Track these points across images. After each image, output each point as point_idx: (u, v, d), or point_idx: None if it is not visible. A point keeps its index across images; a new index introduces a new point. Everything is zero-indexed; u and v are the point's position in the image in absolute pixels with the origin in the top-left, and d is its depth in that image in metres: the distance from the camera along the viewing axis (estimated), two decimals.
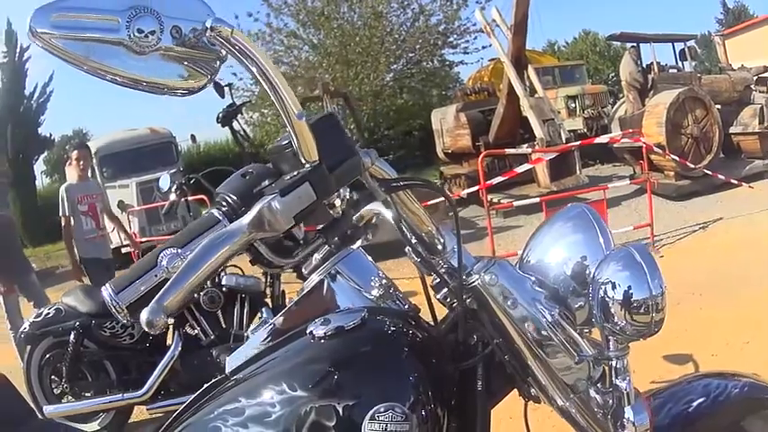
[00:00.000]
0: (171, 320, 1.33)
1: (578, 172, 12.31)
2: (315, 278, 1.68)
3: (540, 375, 1.67)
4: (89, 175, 8.48)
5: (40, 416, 4.97)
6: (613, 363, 1.62)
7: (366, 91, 23.42)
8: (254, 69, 1.25)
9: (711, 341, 5.61)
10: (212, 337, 5.08)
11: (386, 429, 1.43)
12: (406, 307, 1.69)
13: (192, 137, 16.52)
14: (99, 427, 5.41)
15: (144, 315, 1.34)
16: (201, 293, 4.98)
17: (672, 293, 5.79)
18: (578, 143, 11.61)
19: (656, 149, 10.65)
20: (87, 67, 1.15)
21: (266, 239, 1.44)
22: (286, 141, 1.42)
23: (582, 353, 1.62)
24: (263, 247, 1.42)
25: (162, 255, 1.53)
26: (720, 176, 10.97)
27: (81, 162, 8.23)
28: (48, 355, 5.78)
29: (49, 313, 5.67)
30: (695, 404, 1.79)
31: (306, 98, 16.99)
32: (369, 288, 1.70)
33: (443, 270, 1.73)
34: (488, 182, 9.79)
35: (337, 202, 1.44)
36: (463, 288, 1.65)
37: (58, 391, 5.73)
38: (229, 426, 1.48)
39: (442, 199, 8.43)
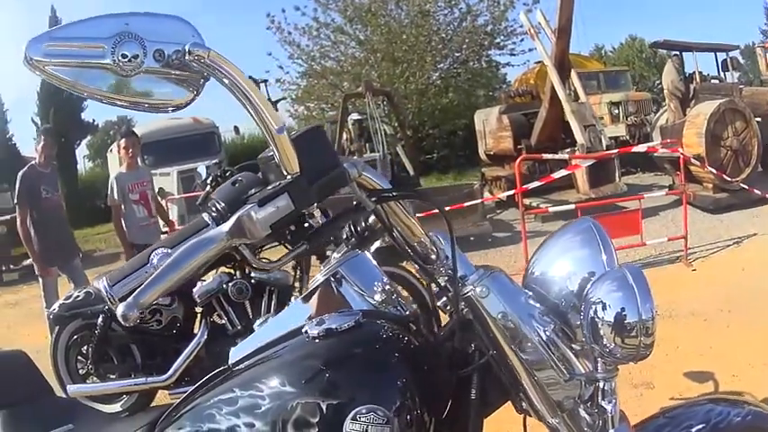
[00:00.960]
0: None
1: (617, 180, 12.18)
2: (319, 278, 1.77)
3: (529, 390, 1.68)
4: (138, 162, 8.49)
5: (63, 394, 5.14)
6: (600, 384, 1.62)
7: (411, 89, 23.35)
8: (232, 88, 1.31)
9: (735, 361, 5.50)
10: (238, 327, 5.15)
11: (366, 430, 1.47)
12: (407, 313, 1.74)
13: (236, 128, 16.66)
14: (121, 409, 5.45)
15: (120, 309, 1.42)
16: (230, 284, 5.08)
17: (701, 308, 5.80)
18: (616, 151, 11.49)
19: (692, 161, 10.44)
20: (78, 89, 1.27)
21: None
22: (272, 152, 1.46)
23: (573, 371, 1.64)
24: (247, 251, 1.47)
25: (153, 253, 1.59)
26: (757, 191, 10.70)
27: (130, 150, 8.21)
28: (75, 337, 5.82)
29: (79, 296, 5.72)
30: (694, 430, 1.77)
31: (349, 95, 17.16)
32: (371, 292, 1.76)
33: (441, 279, 1.78)
34: (525, 186, 9.67)
35: (316, 213, 1.49)
36: (458, 298, 1.68)
37: (83, 372, 5.82)
38: (223, 414, 1.56)
39: (480, 201, 8.35)
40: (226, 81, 1.29)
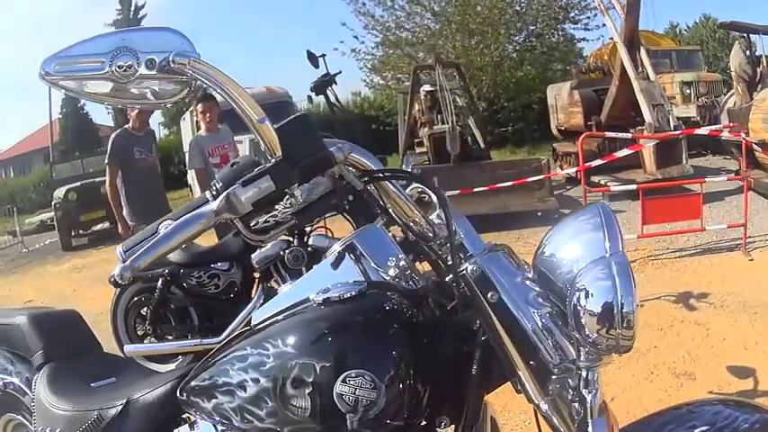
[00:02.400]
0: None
1: (684, 161, 11.84)
2: (336, 248, 1.87)
3: (519, 371, 1.68)
4: (218, 126, 8.52)
5: (121, 354, 5.36)
6: (583, 373, 1.62)
7: (486, 61, 23.09)
8: (213, 87, 1.50)
9: None
10: None
11: (354, 393, 1.59)
12: (419, 286, 1.81)
13: (309, 97, 16.75)
14: (174, 368, 5.51)
15: (116, 269, 1.63)
16: (287, 251, 4.97)
17: (753, 300, 6.89)
18: (678, 132, 11.17)
19: (754, 146, 10.12)
20: (85, 96, 1.53)
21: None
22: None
23: (565, 357, 1.64)
24: (240, 225, 1.60)
25: (162, 225, 1.71)
26: None
27: (207, 114, 8.28)
28: (135, 299, 6.12)
29: None
30: (697, 431, 1.73)
31: (419, 66, 17.07)
32: (384, 265, 1.84)
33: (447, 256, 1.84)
34: (588, 164, 9.54)
35: (297, 192, 1.57)
36: (456, 276, 1.72)
37: (141, 333, 6.09)
38: (235, 369, 1.76)
39: (543, 177, 8.22)
40: (206, 83, 1.49)
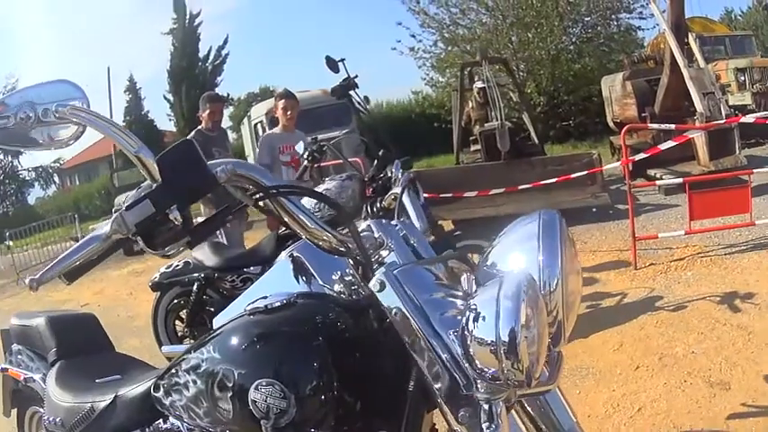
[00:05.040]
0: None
1: (737, 152, 11.41)
2: (282, 256, 2.03)
3: (432, 392, 1.63)
4: (295, 125, 8.57)
5: (160, 352, 5.76)
6: (484, 405, 1.55)
7: (543, 55, 22.90)
8: (95, 127, 1.62)
9: None
10: None
11: (266, 401, 1.66)
12: (362, 298, 1.82)
13: (366, 98, 16.74)
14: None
15: (27, 280, 1.75)
16: None
17: None
18: (723, 122, 10.61)
19: None
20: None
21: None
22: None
23: (470, 386, 1.56)
24: (141, 241, 1.63)
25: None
26: None
27: (288, 111, 8.27)
28: (174, 302, 6.66)
29: (178, 265, 6.48)
30: None
31: (466, 63, 17.03)
32: (327, 276, 1.95)
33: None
34: (632, 157, 9.15)
35: (174, 215, 1.59)
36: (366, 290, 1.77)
37: (181, 334, 6.62)
38: (182, 369, 1.90)
39: (580, 174, 8.05)
40: (87, 124, 1.64)
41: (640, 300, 6.88)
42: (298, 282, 2.04)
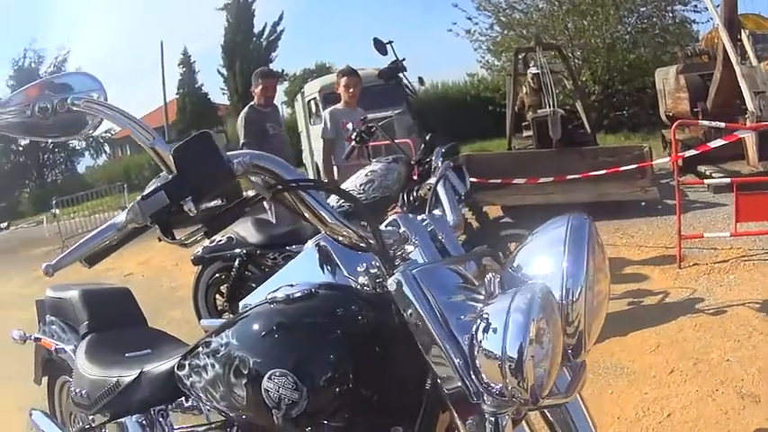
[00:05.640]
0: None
1: None
2: (309, 244, 2.04)
3: (444, 396, 1.63)
4: (356, 102, 8.53)
5: (199, 325, 5.79)
6: (487, 417, 1.53)
7: (599, 43, 22.68)
8: (109, 119, 1.70)
9: None
10: None
11: (278, 391, 1.68)
12: (386, 291, 1.72)
13: (420, 79, 16.70)
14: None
15: (42, 266, 1.75)
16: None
17: None
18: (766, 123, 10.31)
19: None
20: (16, 134, 1.80)
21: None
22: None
23: (479, 395, 1.54)
24: (159, 230, 1.67)
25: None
26: None
27: (351, 89, 8.26)
28: (216, 276, 6.81)
29: (221, 240, 6.50)
30: None
31: (520, 48, 17.06)
32: (352, 267, 1.91)
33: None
34: (681, 153, 9.22)
35: (189, 206, 1.61)
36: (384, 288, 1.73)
37: (221, 309, 6.71)
38: (203, 352, 1.96)
39: (630, 168, 8.83)
40: (100, 115, 1.70)
41: (681, 300, 6.81)
42: (323, 271, 2.01)
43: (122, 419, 2.57)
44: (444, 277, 1.72)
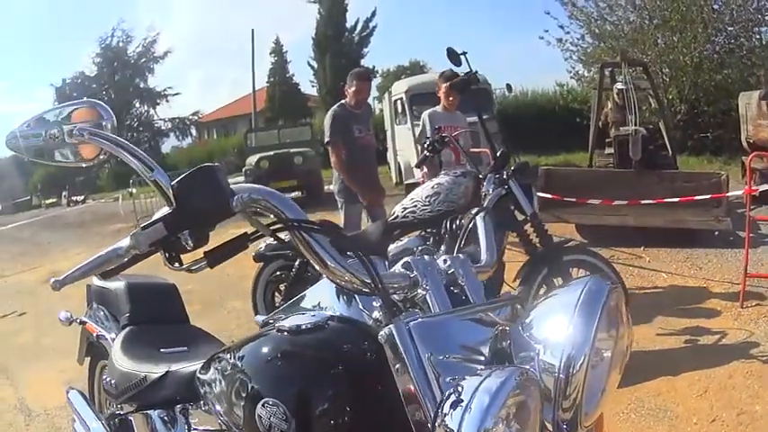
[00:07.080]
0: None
1: None
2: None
3: None
4: (456, 107, 8.38)
5: (253, 320, 6.18)
6: None
7: (687, 61, 22.22)
8: (111, 150, 1.75)
9: None
10: None
11: (269, 419, 1.70)
12: None
13: (508, 86, 16.68)
14: None
15: (51, 280, 1.88)
16: (420, 248, 5.27)
17: None
18: None
19: None
20: (30, 156, 1.85)
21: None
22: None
23: None
24: (162, 256, 1.70)
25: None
26: None
27: (451, 98, 8.18)
28: (276, 274, 7.09)
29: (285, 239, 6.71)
30: None
31: (606, 63, 16.86)
32: (368, 301, 1.88)
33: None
34: (754, 188, 8.75)
35: (186, 239, 1.65)
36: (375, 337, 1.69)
37: (277, 306, 6.72)
38: (216, 367, 2.04)
39: (710, 196, 9.05)
40: (103, 145, 1.76)
41: (737, 343, 6.45)
42: (339, 300, 2.00)
43: (148, 411, 2.65)
44: (447, 331, 1.68)
